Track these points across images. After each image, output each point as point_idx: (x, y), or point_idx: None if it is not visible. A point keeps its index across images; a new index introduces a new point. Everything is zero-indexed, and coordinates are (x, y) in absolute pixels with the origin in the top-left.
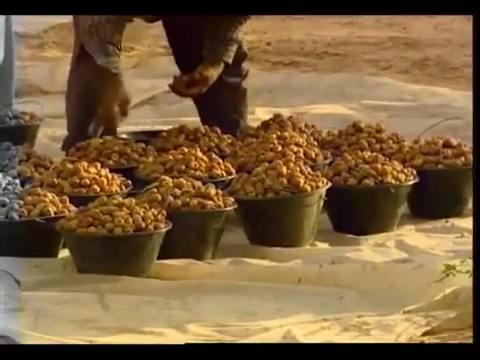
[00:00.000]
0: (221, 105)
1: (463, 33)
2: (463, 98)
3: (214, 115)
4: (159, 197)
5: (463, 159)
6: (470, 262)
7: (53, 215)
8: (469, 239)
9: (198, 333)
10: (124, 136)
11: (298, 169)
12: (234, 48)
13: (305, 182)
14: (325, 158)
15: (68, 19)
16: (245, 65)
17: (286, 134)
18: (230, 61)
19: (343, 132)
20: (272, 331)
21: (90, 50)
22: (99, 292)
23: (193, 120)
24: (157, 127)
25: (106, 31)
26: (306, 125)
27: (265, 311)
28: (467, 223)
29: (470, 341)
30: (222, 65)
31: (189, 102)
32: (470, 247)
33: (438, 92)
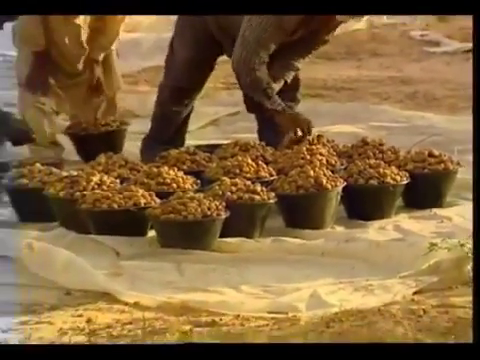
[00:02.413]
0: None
1: (443, 73)
2: (444, 121)
3: (270, 130)
4: (220, 193)
5: (443, 165)
6: (448, 241)
7: (143, 205)
8: (447, 224)
9: (248, 292)
10: (194, 148)
11: (322, 172)
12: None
13: (327, 182)
14: (341, 164)
15: (156, 63)
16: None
17: (313, 147)
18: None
19: (354, 145)
20: (302, 291)
21: None
22: (176, 262)
23: (245, 136)
24: (219, 142)
25: None
26: (327, 140)
27: (297, 276)
28: (445, 212)
29: (450, 300)
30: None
31: (241, 124)
32: (448, 230)
33: (425, 116)
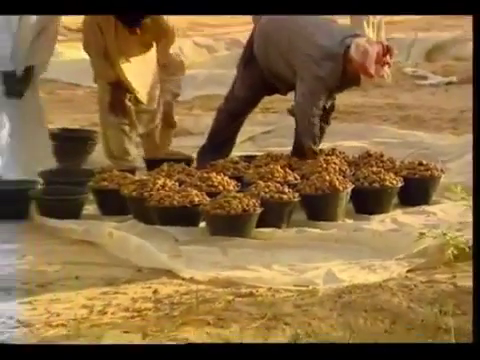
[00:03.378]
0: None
1: (429, 100)
2: (430, 138)
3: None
4: (256, 193)
5: (430, 172)
6: (434, 231)
7: (196, 203)
8: (433, 218)
9: (278, 270)
10: (237, 158)
11: (335, 177)
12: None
13: (339, 185)
14: (350, 171)
15: (207, 92)
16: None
17: (328, 157)
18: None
19: (360, 156)
20: (320, 269)
21: None
22: (222, 247)
23: (275, 149)
24: (255, 153)
25: None
26: (340, 152)
27: (316, 258)
28: (431, 209)
29: (434, 277)
30: None
31: (273, 140)
32: (434, 222)
33: (416, 134)
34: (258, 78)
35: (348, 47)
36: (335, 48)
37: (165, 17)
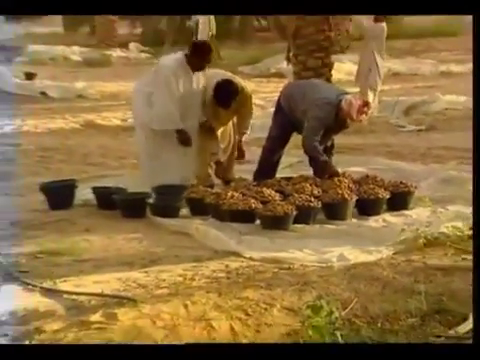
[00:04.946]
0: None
1: (407, 141)
2: (407, 166)
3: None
4: (293, 201)
5: (407, 189)
6: (411, 227)
7: (253, 207)
8: (410, 218)
9: (307, 252)
10: (279, 179)
11: (345, 191)
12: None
13: (348, 196)
14: (355, 187)
15: (261, 135)
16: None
17: (340, 178)
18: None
19: (362, 178)
20: (334, 252)
21: None
22: (270, 237)
23: (305, 173)
24: (292, 175)
25: None
26: (348, 175)
27: (332, 245)
28: (409, 212)
29: (411, 258)
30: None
31: (302, 167)
32: (411, 221)
33: (398, 164)
34: (285, 121)
35: (340, 100)
36: (332, 99)
37: (248, 95)
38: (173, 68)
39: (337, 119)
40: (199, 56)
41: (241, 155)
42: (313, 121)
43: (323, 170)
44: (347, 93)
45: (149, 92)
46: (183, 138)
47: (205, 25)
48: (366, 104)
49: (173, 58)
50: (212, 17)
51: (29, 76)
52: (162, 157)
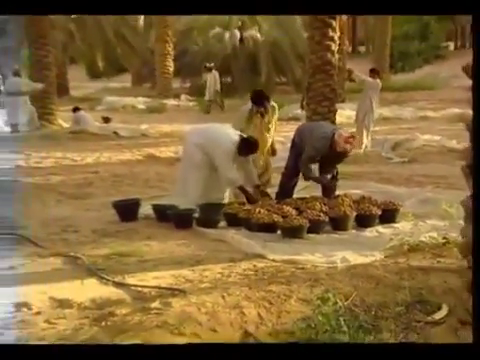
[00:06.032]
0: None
1: (395, 169)
2: (396, 190)
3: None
4: (306, 216)
5: (395, 207)
6: (397, 236)
7: (275, 221)
8: (397, 230)
9: (317, 256)
10: (295, 198)
11: (347, 208)
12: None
13: (349, 212)
14: (354, 205)
15: (280, 165)
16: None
17: (343, 198)
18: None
19: (359, 198)
20: (338, 255)
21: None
22: (288, 243)
23: (316, 194)
24: (304, 196)
25: None
26: (349, 195)
27: (336, 250)
28: (397, 225)
29: (397, 260)
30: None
31: (314, 189)
32: (397, 232)
33: (387, 187)
34: (298, 154)
35: (334, 133)
36: (328, 133)
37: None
38: (234, 149)
39: (331, 149)
40: (247, 150)
41: (274, 153)
42: (311, 151)
43: (326, 189)
44: (340, 128)
45: (201, 143)
46: (252, 199)
47: (211, 82)
48: (352, 136)
49: (232, 141)
50: (217, 76)
51: (106, 120)
52: (208, 184)
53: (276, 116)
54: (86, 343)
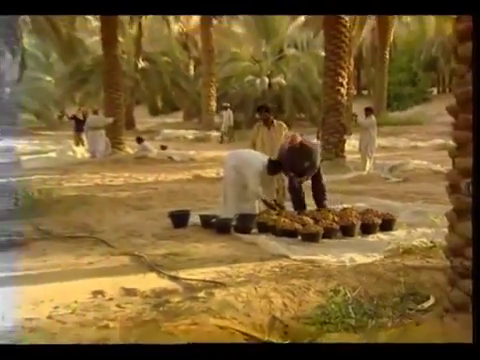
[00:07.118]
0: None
1: (391, 188)
2: (392, 203)
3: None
4: (322, 225)
5: (392, 217)
6: (394, 241)
7: (296, 228)
8: (393, 236)
9: (329, 256)
10: (313, 210)
11: (353, 219)
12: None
13: (355, 221)
14: (360, 216)
15: None
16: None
17: (351, 210)
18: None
19: (364, 210)
20: (347, 256)
21: None
22: (306, 246)
23: (332, 207)
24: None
25: None
26: (355, 208)
27: (345, 251)
28: (393, 232)
29: (394, 260)
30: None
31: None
32: (394, 238)
33: (385, 201)
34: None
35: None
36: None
37: (284, 125)
38: (262, 169)
39: (286, 152)
40: (274, 169)
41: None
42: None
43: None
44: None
45: (236, 165)
46: (271, 207)
47: (226, 118)
48: (293, 136)
49: (261, 162)
50: (231, 114)
51: (163, 148)
52: (241, 198)
53: (285, 132)
54: (93, 343)
